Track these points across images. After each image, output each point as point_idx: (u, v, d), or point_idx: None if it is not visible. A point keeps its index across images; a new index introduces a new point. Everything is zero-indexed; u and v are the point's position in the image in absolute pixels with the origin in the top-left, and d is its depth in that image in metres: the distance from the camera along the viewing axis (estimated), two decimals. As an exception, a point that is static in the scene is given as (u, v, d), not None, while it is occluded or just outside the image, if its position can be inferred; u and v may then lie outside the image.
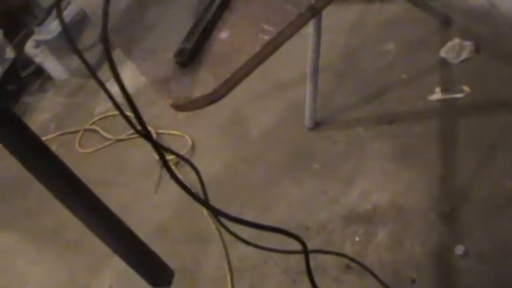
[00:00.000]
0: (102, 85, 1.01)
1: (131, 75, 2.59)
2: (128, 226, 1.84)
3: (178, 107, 0.75)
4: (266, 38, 0.72)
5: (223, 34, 0.79)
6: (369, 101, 2.27)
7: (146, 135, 0.81)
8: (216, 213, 0.91)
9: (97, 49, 3.30)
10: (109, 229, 1.81)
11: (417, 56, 2.31)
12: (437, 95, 2.12)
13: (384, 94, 2.25)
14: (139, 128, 1.01)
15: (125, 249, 1.87)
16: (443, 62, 2.21)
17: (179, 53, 0.78)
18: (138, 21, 0.93)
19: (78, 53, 0.97)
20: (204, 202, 0.93)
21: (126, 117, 1.00)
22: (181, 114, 2.73)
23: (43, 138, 3.20)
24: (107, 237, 1.80)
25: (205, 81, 0.73)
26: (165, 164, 0.85)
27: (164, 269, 1.96)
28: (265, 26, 0.73)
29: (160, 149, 0.87)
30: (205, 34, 0.79)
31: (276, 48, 0.73)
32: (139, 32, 0.92)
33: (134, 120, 0.92)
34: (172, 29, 0.87)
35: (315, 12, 0.72)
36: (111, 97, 1.03)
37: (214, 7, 0.81)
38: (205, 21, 0.79)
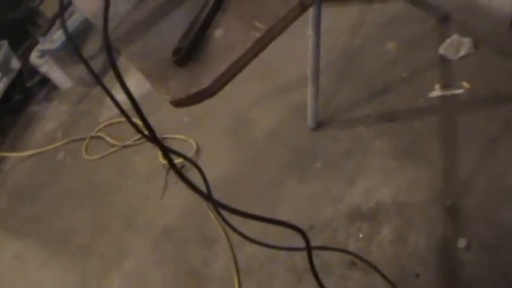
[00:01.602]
0: (107, 91, 1.03)
1: (135, 83, 2.64)
2: None
3: (176, 103, 0.78)
4: (257, 34, 0.75)
5: (217, 33, 0.82)
6: (370, 100, 2.29)
7: (153, 138, 0.84)
8: (219, 206, 0.93)
9: (101, 58, 3.35)
10: None
11: (417, 54, 2.33)
12: (437, 92, 2.14)
13: (384, 93, 2.28)
14: (146, 132, 1.04)
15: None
16: (443, 59, 2.23)
17: (176, 52, 0.81)
18: (136, 24, 0.96)
19: (84, 61, 1.00)
20: (208, 196, 0.95)
21: (132, 122, 1.03)
22: (186, 119, 2.77)
23: (51, 147, 3.29)
24: None
25: (201, 77, 0.76)
26: (172, 165, 0.88)
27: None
28: (257, 23, 0.76)
29: (167, 151, 0.89)
30: (200, 34, 0.82)
31: (266, 44, 0.76)
32: (137, 35, 0.95)
33: (140, 126, 0.95)
34: (169, 30, 0.90)
35: (304, 8, 0.75)
36: (116, 103, 1.05)
37: (207, 8, 0.84)
38: (200, 22, 0.83)
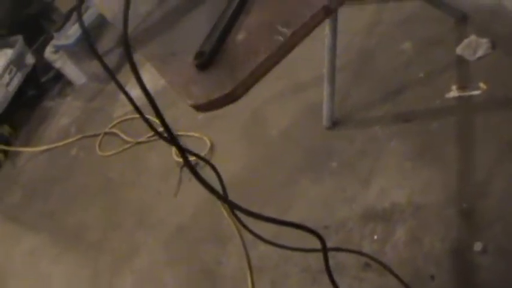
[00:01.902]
0: (121, 88, 1.03)
1: (150, 78, 2.63)
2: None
3: (198, 108, 0.77)
4: (281, 39, 0.74)
5: (239, 36, 0.81)
6: (385, 100, 2.27)
7: (168, 135, 0.83)
8: (236, 208, 0.92)
9: (116, 53, 3.35)
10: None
11: (433, 54, 2.31)
12: (453, 93, 2.12)
13: (400, 93, 2.26)
14: (160, 129, 1.03)
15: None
16: (460, 60, 2.20)
17: (198, 56, 0.80)
18: (157, 26, 0.95)
19: (98, 57, 0.99)
20: (224, 198, 0.95)
21: (146, 120, 1.02)
22: (200, 117, 2.76)
23: (64, 142, 3.30)
24: None
25: (223, 82, 0.75)
26: (188, 165, 0.87)
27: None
28: (280, 28, 0.75)
29: (183, 151, 0.88)
30: (223, 37, 0.81)
31: (291, 48, 0.75)
32: (158, 36, 0.94)
33: (154, 123, 0.95)
34: (190, 32, 0.89)
35: (328, 13, 0.74)
36: (130, 99, 1.05)
37: (230, 11, 0.83)
38: (223, 25, 0.81)
